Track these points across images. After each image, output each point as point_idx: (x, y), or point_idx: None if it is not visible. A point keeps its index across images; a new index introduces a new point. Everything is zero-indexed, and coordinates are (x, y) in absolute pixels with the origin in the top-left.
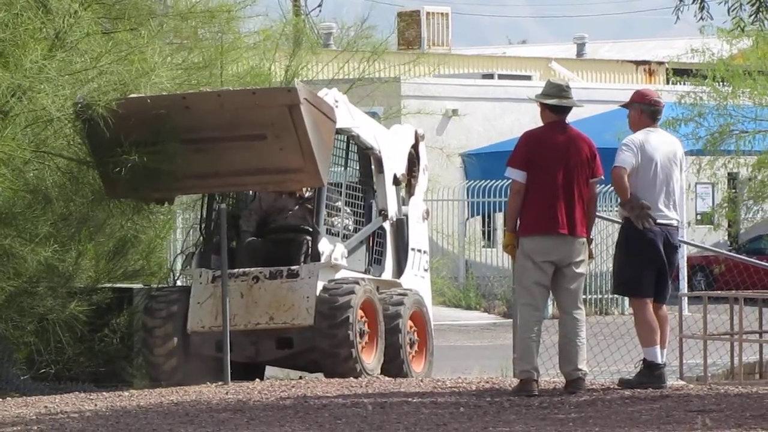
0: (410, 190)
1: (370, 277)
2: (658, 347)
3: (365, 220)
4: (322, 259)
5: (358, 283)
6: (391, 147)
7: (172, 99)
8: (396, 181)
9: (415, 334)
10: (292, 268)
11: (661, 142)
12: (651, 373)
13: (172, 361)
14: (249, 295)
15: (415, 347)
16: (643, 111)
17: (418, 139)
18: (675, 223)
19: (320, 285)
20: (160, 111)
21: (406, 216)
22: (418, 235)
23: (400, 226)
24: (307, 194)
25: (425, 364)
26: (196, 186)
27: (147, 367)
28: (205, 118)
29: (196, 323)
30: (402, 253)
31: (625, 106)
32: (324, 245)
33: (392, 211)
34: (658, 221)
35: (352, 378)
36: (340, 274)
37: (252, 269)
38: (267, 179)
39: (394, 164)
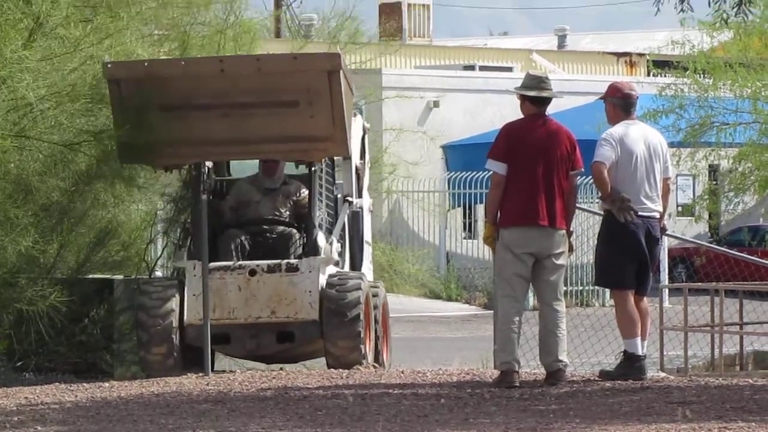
0: (360, 183)
1: (358, 272)
2: (638, 339)
3: (333, 212)
4: (321, 254)
5: (361, 278)
6: (353, 136)
7: (207, 62)
8: (355, 171)
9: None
10: (291, 261)
11: (641, 135)
12: (631, 364)
13: (168, 355)
14: (247, 288)
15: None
16: (616, 105)
17: (365, 131)
18: (656, 215)
19: (322, 279)
20: (192, 74)
21: (361, 208)
22: (368, 228)
23: (356, 218)
24: (280, 184)
25: (389, 354)
26: (213, 153)
27: (143, 362)
28: (239, 82)
29: (193, 316)
30: (357, 245)
31: (602, 99)
32: (321, 239)
33: (355, 200)
34: (640, 213)
35: (332, 369)
36: (330, 269)
37: (248, 262)
38: (291, 147)
39: (354, 154)
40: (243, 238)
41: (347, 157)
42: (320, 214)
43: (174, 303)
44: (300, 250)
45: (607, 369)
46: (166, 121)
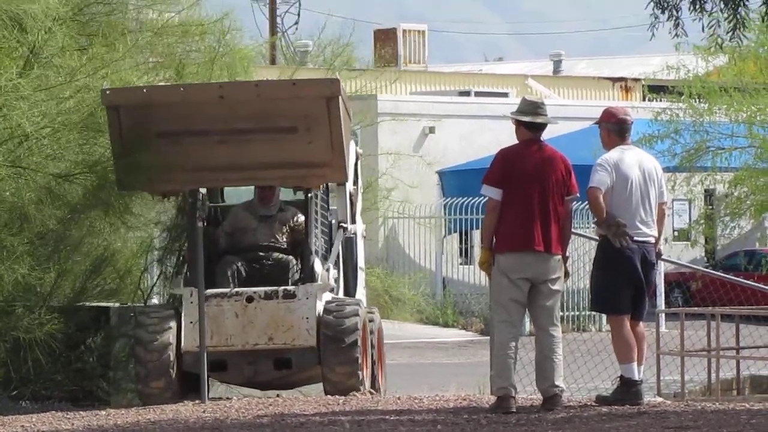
0: (353, 209)
1: (354, 299)
2: (635, 364)
3: (328, 237)
4: (319, 280)
5: (358, 305)
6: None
7: (206, 88)
8: (349, 197)
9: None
10: (289, 288)
11: (636, 160)
12: (628, 389)
13: (166, 389)
14: (244, 315)
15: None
16: (611, 130)
17: (358, 157)
18: (652, 240)
19: (319, 306)
20: (191, 100)
21: (355, 234)
22: (361, 254)
23: (350, 244)
24: (276, 211)
25: (384, 379)
26: (211, 179)
27: (140, 395)
28: (237, 108)
29: (191, 343)
30: (351, 271)
31: (596, 124)
32: (318, 266)
33: (349, 226)
34: (635, 238)
35: (329, 396)
36: (326, 295)
37: (245, 289)
38: (289, 173)
39: (349, 180)
40: (239, 264)
41: (341, 183)
42: (317, 241)
43: (171, 335)
44: (297, 277)
45: (604, 394)
46: (163, 147)
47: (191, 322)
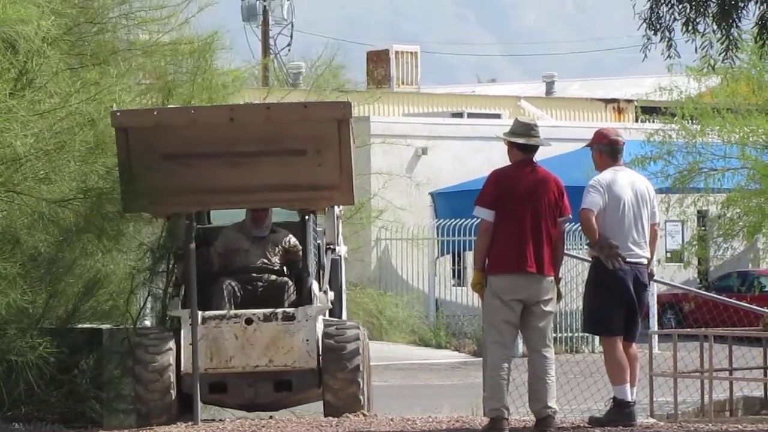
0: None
1: (353, 321)
2: (627, 385)
3: (317, 259)
4: (317, 302)
5: (358, 328)
6: None
7: (217, 110)
8: (336, 219)
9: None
10: (288, 310)
11: (628, 181)
12: (621, 411)
13: (167, 410)
14: (244, 337)
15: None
16: (602, 151)
17: None
18: (644, 261)
19: (318, 328)
20: (201, 122)
21: (340, 256)
22: (344, 275)
23: (335, 265)
24: (268, 233)
25: (371, 398)
26: (217, 201)
27: (138, 411)
28: (247, 131)
29: (190, 365)
30: (337, 293)
31: (588, 146)
32: (315, 287)
33: (337, 247)
34: (628, 260)
35: (322, 417)
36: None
37: (244, 311)
38: (296, 196)
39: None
40: (235, 286)
41: (352, 205)
42: (314, 263)
43: (170, 356)
44: (293, 299)
45: (597, 415)
46: (171, 169)
47: (190, 344)
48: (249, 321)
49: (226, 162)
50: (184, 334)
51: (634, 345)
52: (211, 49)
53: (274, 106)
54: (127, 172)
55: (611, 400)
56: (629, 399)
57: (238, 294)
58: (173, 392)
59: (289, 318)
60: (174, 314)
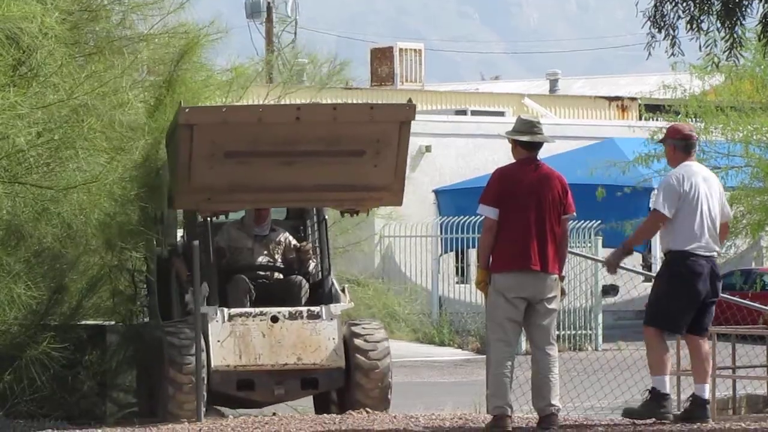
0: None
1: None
2: (667, 377)
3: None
4: (342, 300)
5: (383, 327)
6: None
7: (284, 109)
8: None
9: None
10: (312, 309)
11: (702, 177)
12: (658, 403)
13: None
14: (271, 334)
15: None
16: (676, 146)
17: None
18: (716, 255)
19: (343, 327)
20: (268, 121)
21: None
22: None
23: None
24: (269, 231)
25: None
26: (268, 199)
27: (170, 412)
28: (310, 131)
29: (220, 362)
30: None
31: (661, 142)
32: (337, 286)
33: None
34: (704, 254)
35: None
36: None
37: (269, 309)
38: (346, 196)
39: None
40: (249, 283)
41: (399, 206)
42: (319, 262)
43: (203, 357)
44: (305, 297)
45: (632, 406)
46: (229, 167)
47: (218, 341)
48: (275, 319)
49: (283, 161)
50: (212, 331)
51: (707, 341)
52: (206, 36)
53: (340, 106)
54: (186, 169)
55: (648, 392)
56: (667, 391)
57: (253, 292)
58: (205, 394)
59: (314, 316)
60: (201, 311)
